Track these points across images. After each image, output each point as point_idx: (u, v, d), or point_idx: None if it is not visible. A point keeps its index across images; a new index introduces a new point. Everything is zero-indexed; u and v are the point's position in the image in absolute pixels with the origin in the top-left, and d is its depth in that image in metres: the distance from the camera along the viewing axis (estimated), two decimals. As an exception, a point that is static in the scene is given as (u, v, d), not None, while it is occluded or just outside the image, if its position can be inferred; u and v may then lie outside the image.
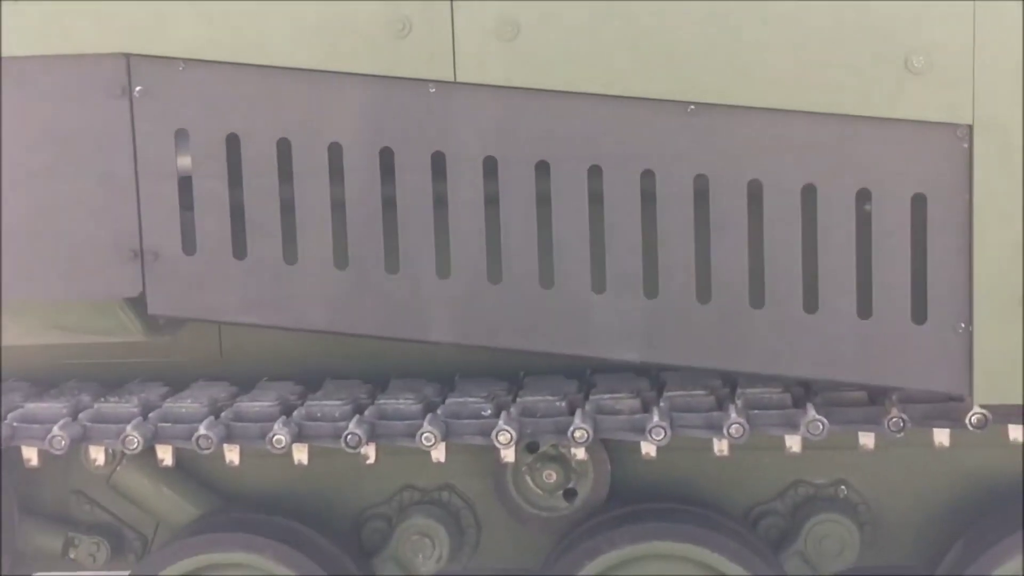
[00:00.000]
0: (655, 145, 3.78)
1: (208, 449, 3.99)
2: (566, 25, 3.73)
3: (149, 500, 4.61)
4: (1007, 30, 3.59)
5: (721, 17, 3.69)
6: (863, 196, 3.75)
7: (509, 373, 4.41)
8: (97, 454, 4.26)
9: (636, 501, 4.46)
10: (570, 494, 4.51)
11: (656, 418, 3.91)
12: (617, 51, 3.73)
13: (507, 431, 3.92)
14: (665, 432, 3.88)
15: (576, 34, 3.73)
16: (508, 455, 4.11)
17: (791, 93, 3.69)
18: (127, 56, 3.85)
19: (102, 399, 4.28)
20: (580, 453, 4.20)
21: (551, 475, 4.47)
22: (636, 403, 4.08)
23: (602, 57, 3.74)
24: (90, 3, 3.83)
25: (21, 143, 3.91)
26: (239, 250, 3.94)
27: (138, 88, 3.86)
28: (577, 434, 3.91)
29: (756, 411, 3.99)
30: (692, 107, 3.73)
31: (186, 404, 4.20)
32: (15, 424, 4.14)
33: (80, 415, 4.17)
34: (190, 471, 4.58)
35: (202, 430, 3.98)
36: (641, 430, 3.94)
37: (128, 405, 4.21)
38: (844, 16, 3.65)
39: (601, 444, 4.36)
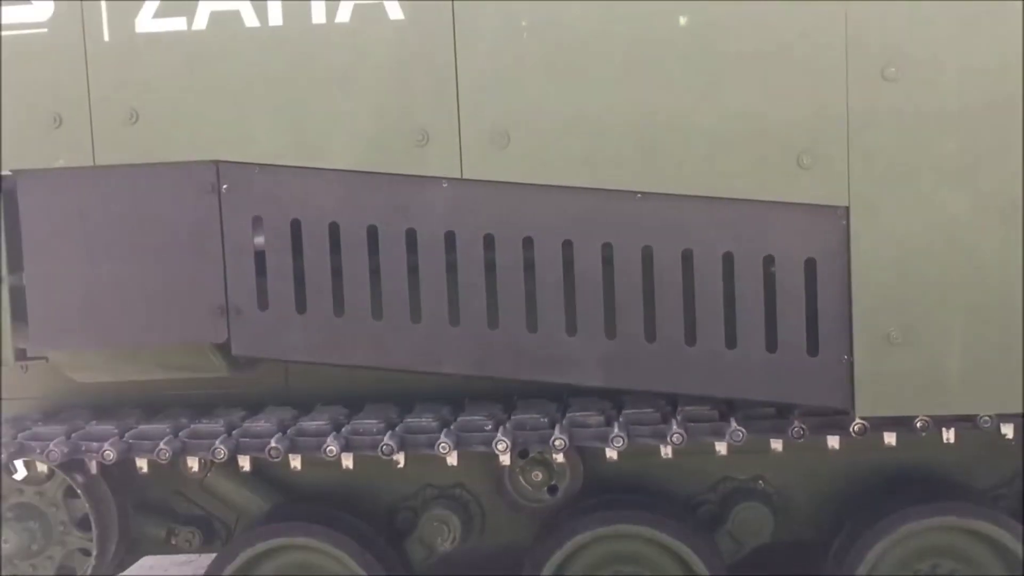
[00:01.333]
0: (612, 224, 3.84)
1: (278, 458, 4.07)
2: (545, 137, 3.81)
3: (232, 498, 4.66)
4: (873, 135, 3.68)
5: (660, 128, 3.77)
6: (768, 260, 3.81)
7: (506, 397, 4.41)
8: (193, 463, 4.31)
9: (604, 493, 4.48)
10: (553, 489, 4.54)
11: (616, 430, 3.99)
12: (583, 154, 3.80)
13: (504, 441, 4.00)
14: (624, 440, 3.96)
15: (552, 143, 3.81)
16: (505, 460, 4.15)
17: (712, 183, 3.76)
18: (216, 162, 3.95)
19: (196, 421, 4.35)
20: (559, 457, 4.30)
21: (538, 475, 4.52)
22: (601, 419, 4.13)
23: (572, 159, 3.81)
24: (187, 123, 3.92)
25: (136, 229, 4.00)
26: (300, 306, 4.00)
27: (225, 186, 3.95)
28: (557, 443, 3.99)
29: (692, 424, 4.05)
30: (639, 195, 3.81)
31: (260, 424, 4.26)
32: (131, 441, 4.21)
33: (180, 433, 4.24)
34: (263, 475, 4.60)
35: (273, 443, 4.08)
36: (605, 439, 4.00)
37: (216, 425, 4.27)
38: (750, 125, 3.73)
39: (576, 451, 4.39)
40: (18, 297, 4.11)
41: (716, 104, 3.75)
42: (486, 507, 4.68)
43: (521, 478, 4.55)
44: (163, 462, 4.15)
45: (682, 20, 3.73)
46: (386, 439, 4.05)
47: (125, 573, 4.80)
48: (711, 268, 3.85)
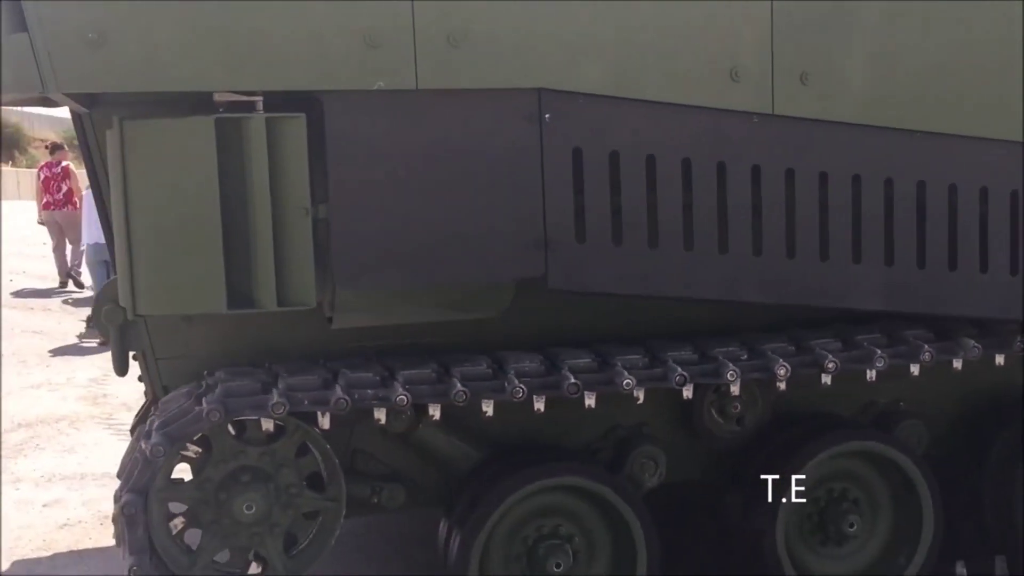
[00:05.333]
0: (894, 159, 4.08)
1: (576, 394, 3.89)
2: (851, 76, 3.96)
3: (444, 450, 4.30)
4: None
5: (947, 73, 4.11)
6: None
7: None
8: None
9: (779, 421, 4.58)
10: (740, 420, 4.55)
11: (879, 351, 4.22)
12: (895, 95, 4.03)
13: (785, 367, 4.11)
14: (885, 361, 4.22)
15: (859, 84, 3.97)
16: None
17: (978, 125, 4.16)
18: (539, 90, 3.72)
19: (456, 364, 4.00)
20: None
21: (736, 406, 4.50)
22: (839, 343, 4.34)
23: (884, 97, 4.01)
24: (512, 49, 3.66)
25: (453, 158, 3.68)
26: (617, 238, 3.88)
27: (547, 115, 3.72)
28: (829, 365, 4.15)
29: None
30: (918, 134, 4.09)
31: (525, 364, 4.03)
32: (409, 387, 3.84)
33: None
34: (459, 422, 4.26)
35: (572, 379, 3.91)
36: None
37: (481, 367, 4.00)
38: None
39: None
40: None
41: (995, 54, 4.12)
42: (674, 442, 4.59)
43: (713, 411, 4.55)
44: (460, 404, 3.83)
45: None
46: (679, 370, 4.01)
47: None
48: (970, 200, 4.22)
